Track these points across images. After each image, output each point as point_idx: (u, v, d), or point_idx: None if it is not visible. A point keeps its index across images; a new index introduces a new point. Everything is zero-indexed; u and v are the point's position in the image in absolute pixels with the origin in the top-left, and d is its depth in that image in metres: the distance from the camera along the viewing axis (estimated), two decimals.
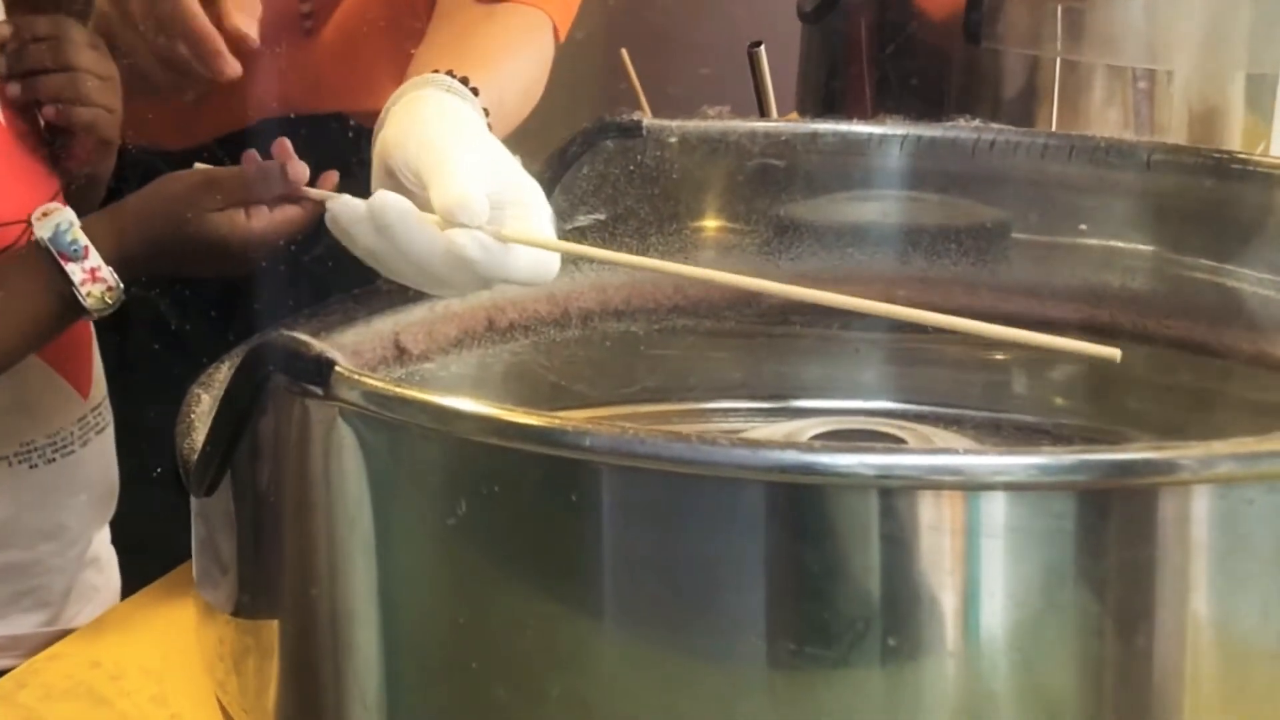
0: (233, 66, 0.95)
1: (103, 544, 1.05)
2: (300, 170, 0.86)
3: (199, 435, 0.76)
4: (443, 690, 0.69)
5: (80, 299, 0.85)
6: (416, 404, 0.66)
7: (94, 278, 0.86)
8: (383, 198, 0.81)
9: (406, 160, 0.85)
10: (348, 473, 0.69)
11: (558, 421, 0.63)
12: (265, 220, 0.87)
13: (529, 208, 0.85)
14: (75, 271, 0.85)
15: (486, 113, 0.91)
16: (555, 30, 1.07)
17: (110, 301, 0.86)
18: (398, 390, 0.66)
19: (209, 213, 0.86)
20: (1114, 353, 0.64)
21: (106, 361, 1.03)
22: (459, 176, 0.82)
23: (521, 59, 1.04)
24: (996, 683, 0.63)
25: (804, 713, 0.62)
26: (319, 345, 0.68)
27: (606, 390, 1.04)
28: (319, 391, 0.67)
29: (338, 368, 0.67)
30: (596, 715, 0.65)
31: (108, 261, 0.85)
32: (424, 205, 0.82)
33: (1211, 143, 1.35)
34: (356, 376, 0.67)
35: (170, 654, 0.83)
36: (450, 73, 0.92)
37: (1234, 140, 1.40)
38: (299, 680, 0.73)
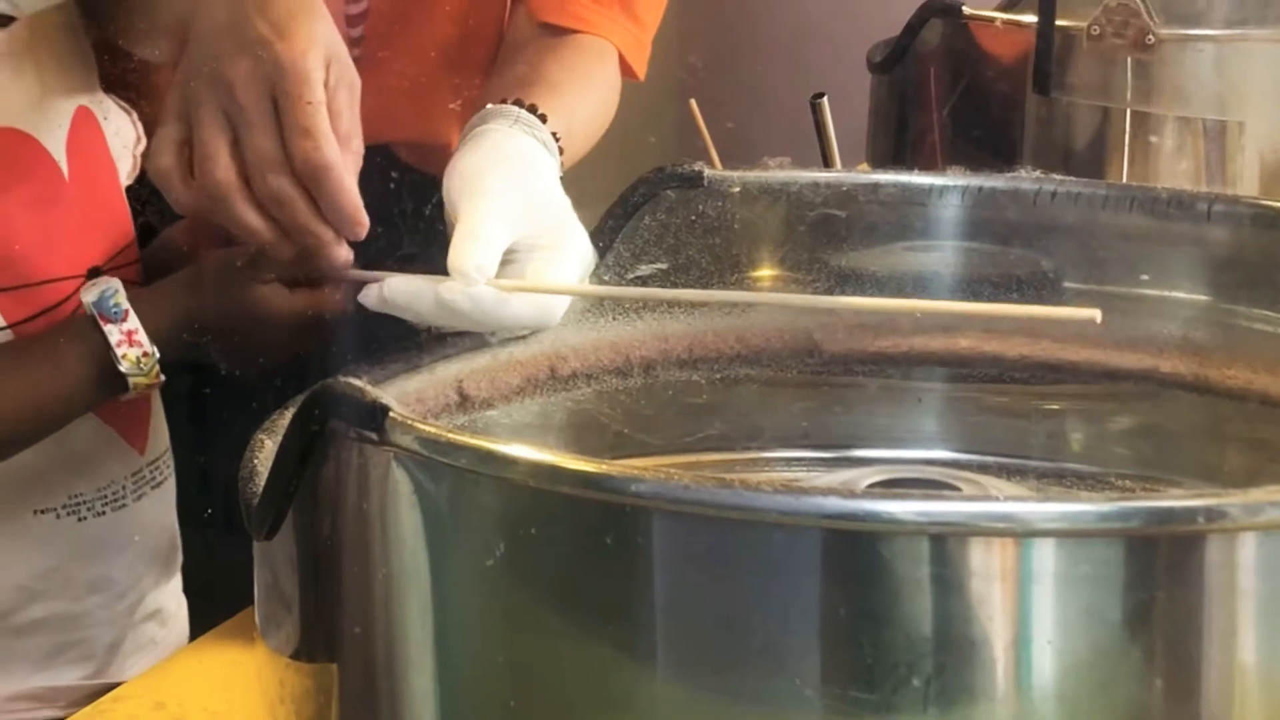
0: (345, 256, 0.88)
1: (170, 595, 1.06)
2: (344, 254, 0.87)
3: (261, 480, 0.77)
4: None
5: (115, 361, 0.86)
6: (469, 449, 0.67)
7: (130, 340, 0.87)
8: (392, 289, 0.83)
9: (449, 194, 0.87)
10: (403, 517, 0.70)
11: (605, 467, 0.63)
12: (309, 297, 0.88)
13: (556, 252, 0.86)
14: (113, 333, 0.87)
15: (556, 137, 0.93)
16: (624, 61, 1.08)
17: (144, 368, 0.87)
18: (450, 436, 0.67)
19: (252, 287, 0.87)
20: (1093, 313, 0.64)
21: (177, 412, 1.04)
22: (477, 235, 0.83)
23: (591, 87, 1.06)
24: None
25: None
26: (374, 391, 0.69)
27: (669, 439, 1.04)
28: (374, 437, 0.68)
29: (392, 413, 0.68)
30: None
31: (151, 334, 0.87)
32: None
33: None
34: (410, 422, 0.68)
35: (234, 696, 0.85)
36: (518, 101, 0.93)
37: None
38: None
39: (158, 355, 0.87)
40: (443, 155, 0.86)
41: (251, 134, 0.83)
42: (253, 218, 0.84)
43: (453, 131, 1.17)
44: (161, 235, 1.02)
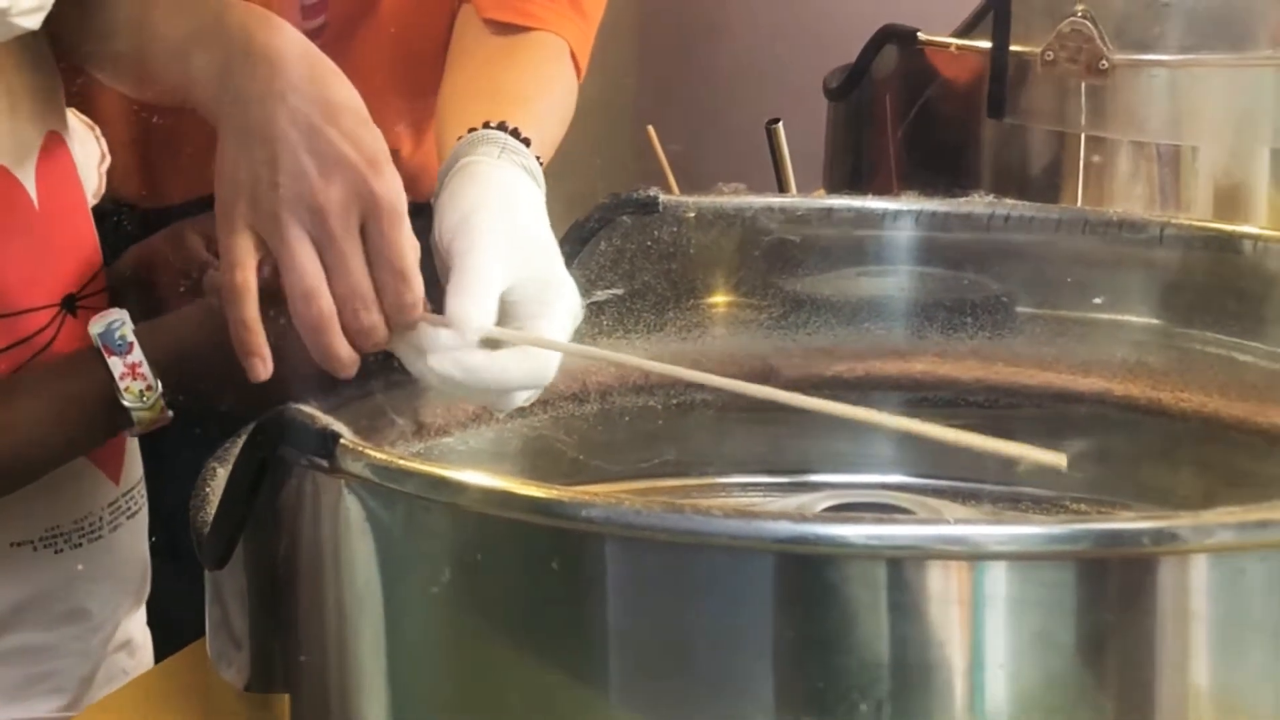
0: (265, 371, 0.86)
1: (137, 626, 1.05)
2: None
3: (212, 508, 0.77)
4: None
5: (119, 393, 0.86)
6: (420, 476, 0.66)
7: (134, 373, 0.86)
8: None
9: (442, 235, 0.86)
10: (355, 544, 0.69)
11: (556, 493, 0.63)
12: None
13: (547, 307, 0.86)
14: (117, 365, 0.86)
15: (539, 160, 0.93)
16: (573, 57, 1.08)
17: (147, 401, 0.86)
18: (401, 462, 0.67)
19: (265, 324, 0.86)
20: (1059, 459, 0.65)
21: (144, 441, 1.04)
22: (474, 285, 0.83)
23: (555, 93, 1.06)
24: None
25: None
26: (325, 418, 0.69)
27: (625, 465, 1.04)
28: (325, 464, 0.68)
29: (343, 440, 0.68)
30: None
31: (155, 366, 0.86)
32: None
33: (1237, 219, 1.35)
34: (361, 449, 0.68)
35: None
36: (502, 125, 0.93)
37: (1260, 216, 1.40)
38: None
39: (161, 389, 0.86)
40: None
41: (348, 268, 0.81)
42: (344, 349, 0.83)
43: (402, 135, 1.17)
44: (124, 256, 1.01)
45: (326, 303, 0.81)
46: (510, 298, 0.86)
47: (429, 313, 0.84)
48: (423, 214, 0.88)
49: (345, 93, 0.82)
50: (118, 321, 0.87)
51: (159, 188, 1.12)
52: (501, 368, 0.83)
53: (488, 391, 0.85)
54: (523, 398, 0.89)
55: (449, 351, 0.83)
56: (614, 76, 1.14)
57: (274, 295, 0.84)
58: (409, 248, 0.83)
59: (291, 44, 0.83)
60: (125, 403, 0.86)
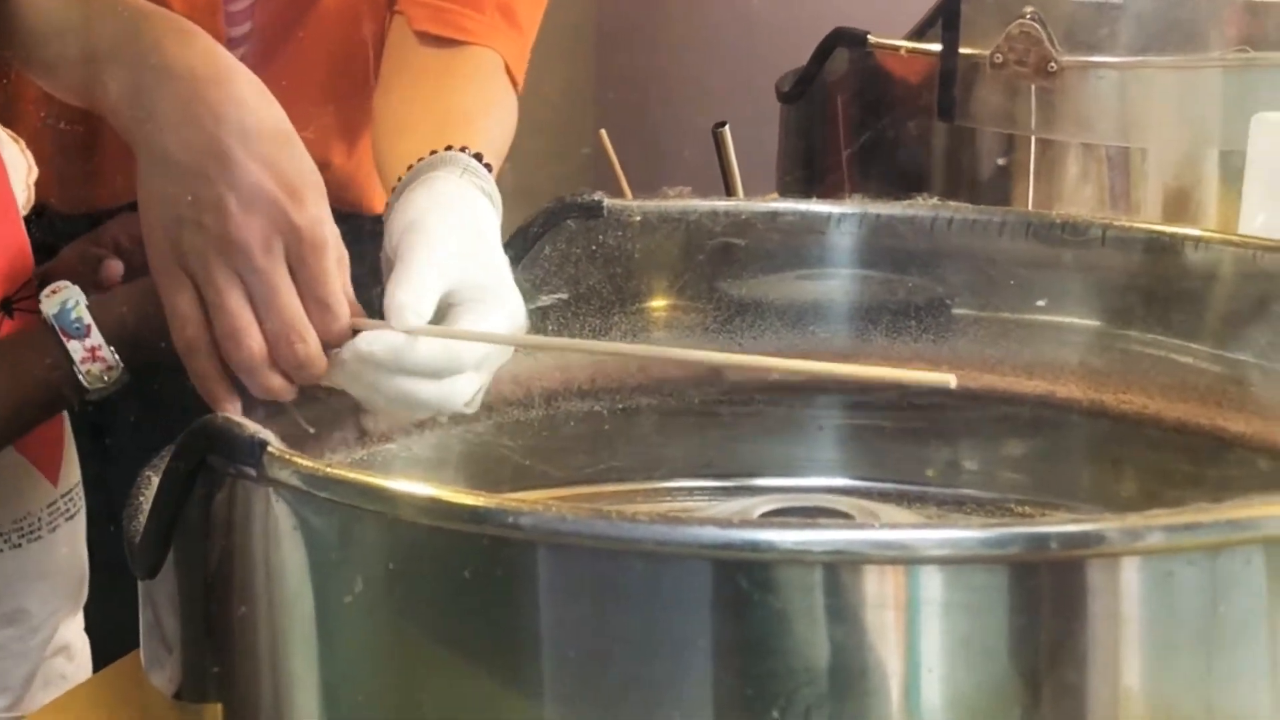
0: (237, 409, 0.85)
1: (75, 631, 1.05)
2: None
3: (144, 517, 0.76)
4: None
5: (79, 376, 0.85)
6: (348, 484, 0.66)
7: (94, 356, 0.86)
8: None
9: (391, 236, 0.86)
10: (285, 553, 0.69)
11: (482, 500, 0.63)
12: None
13: (488, 310, 0.85)
14: (76, 349, 0.86)
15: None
16: (509, 71, 1.08)
17: (108, 381, 0.86)
18: (329, 470, 0.66)
19: None
20: (948, 378, 0.65)
21: (81, 447, 1.03)
22: (414, 278, 0.83)
23: (499, 112, 1.06)
24: None
25: None
26: (253, 426, 0.68)
27: (571, 471, 1.04)
28: (253, 472, 0.67)
29: (270, 448, 0.67)
30: None
31: (109, 341, 0.86)
32: None
33: (1186, 220, 1.35)
34: (289, 457, 0.67)
35: None
36: (465, 149, 0.93)
37: (1209, 218, 1.40)
38: None
39: (122, 367, 0.86)
40: (321, 174, 0.84)
41: (277, 303, 0.81)
42: (278, 382, 0.83)
43: (334, 144, 1.16)
44: (56, 259, 1.01)
45: (256, 342, 0.80)
46: (452, 300, 0.85)
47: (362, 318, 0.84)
48: (350, 221, 0.87)
49: (265, 113, 0.81)
50: (71, 300, 0.86)
51: (86, 194, 1.11)
52: (419, 351, 0.83)
53: (423, 394, 0.84)
54: (463, 397, 0.88)
55: (384, 347, 0.82)
56: (573, 82, 1.13)
57: None
58: (333, 276, 0.82)
59: (208, 61, 0.81)
60: (86, 384, 0.86)
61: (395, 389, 0.84)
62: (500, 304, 0.87)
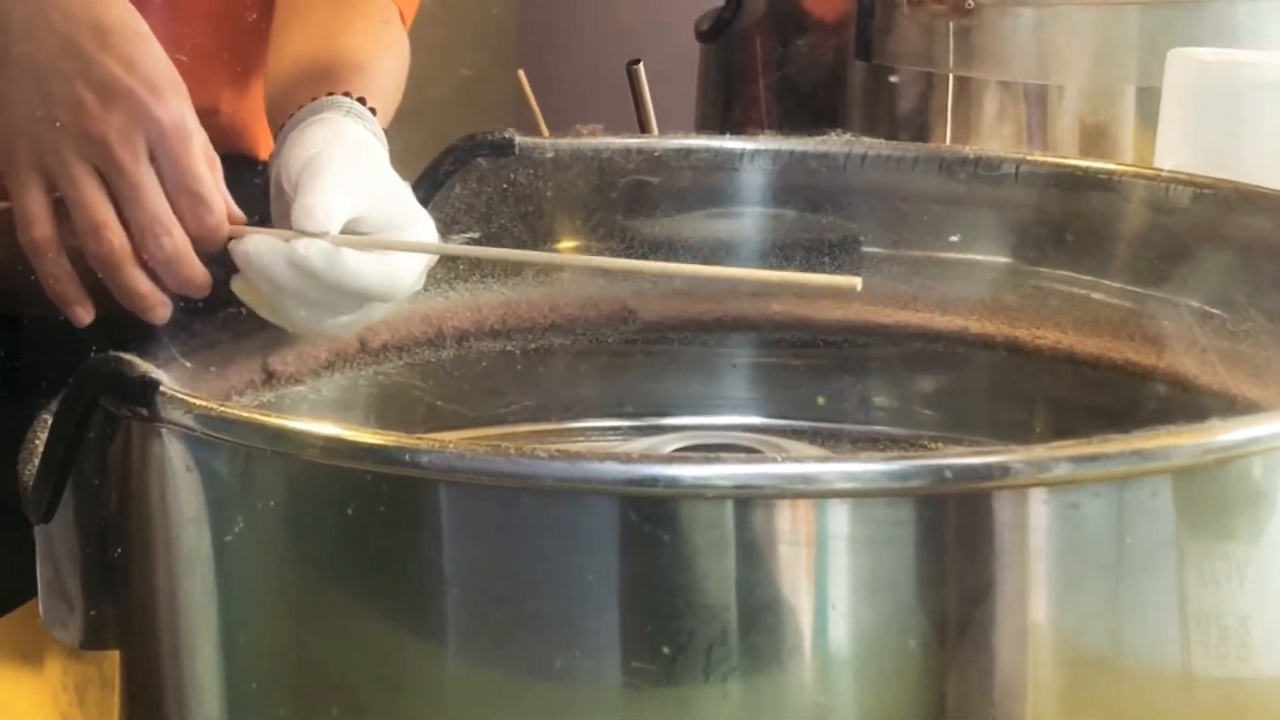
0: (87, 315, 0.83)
1: None
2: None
3: (38, 460, 0.74)
4: (285, 717, 0.68)
5: None
6: (242, 423, 0.64)
7: None
8: (256, 247, 0.80)
9: (287, 172, 0.84)
10: (180, 495, 0.67)
11: (380, 438, 0.61)
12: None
13: (403, 231, 0.84)
14: None
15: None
16: (402, 17, 1.07)
17: None
18: (222, 410, 0.65)
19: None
20: (854, 281, 0.64)
21: None
22: (322, 187, 0.81)
23: (390, 59, 1.05)
24: (842, 694, 0.62)
25: None
26: (144, 366, 0.66)
27: (482, 410, 1.03)
28: (144, 413, 0.66)
29: (162, 389, 0.66)
30: None
31: None
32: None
33: (1103, 157, 1.35)
34: (181, 397, 0.65)
35: (19, 686, 0.82)
36: (347, 94, 0.91)
37: (1126, 154, 1.40)
38: (140, 712, 0.72)
39: None
40: (209, 120, 0.83)
41: (140, 197, 0.79)
42: (144, 283, 0.81)
43: (223, 91, 1.14)
44: None
45: (118, 236, 0.79)
46: (359, 228, 0.84)
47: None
48: (239, 167, 0.85)
49: (118, 12, 0.79)
50: None
51: None
52: (361, 270, 0.81)
53: (335, 297, 0.82)
54: (411, 276, 0.85)
55: (293, 255, 0.80)
56: (493, 25, 1.12)
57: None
58: (202, 168, 0.80)
59: None
60: None
61: (336, 278, 0.81)
62: (413, 225, 0.85)
